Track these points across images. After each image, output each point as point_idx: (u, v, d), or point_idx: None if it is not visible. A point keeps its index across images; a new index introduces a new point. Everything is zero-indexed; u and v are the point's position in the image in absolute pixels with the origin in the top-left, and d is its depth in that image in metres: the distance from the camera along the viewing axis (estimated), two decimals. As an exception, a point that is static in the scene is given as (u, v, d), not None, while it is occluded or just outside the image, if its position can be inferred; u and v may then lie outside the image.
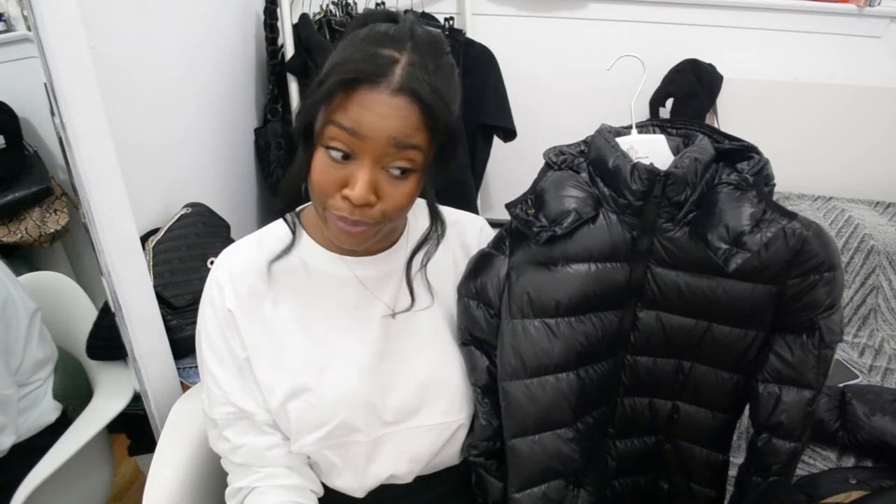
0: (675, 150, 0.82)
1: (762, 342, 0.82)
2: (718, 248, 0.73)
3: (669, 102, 1.88)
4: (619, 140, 0.82)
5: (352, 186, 0.67)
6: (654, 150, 0.82)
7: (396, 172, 0.68)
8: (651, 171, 0.76)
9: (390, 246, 0.85)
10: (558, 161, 0.83)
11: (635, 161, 0.78)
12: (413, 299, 0.83)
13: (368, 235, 0.72)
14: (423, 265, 0.83)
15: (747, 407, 0.87)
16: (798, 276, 0.76)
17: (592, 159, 0.82)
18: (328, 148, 0.67)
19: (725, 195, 0.76)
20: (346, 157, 0.67)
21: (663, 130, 0.86)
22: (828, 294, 0.77)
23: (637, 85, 0.87)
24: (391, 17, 0.71)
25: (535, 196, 0.81)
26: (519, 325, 0.82)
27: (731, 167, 0.79)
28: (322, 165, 0.68)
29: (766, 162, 0.77)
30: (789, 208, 0.74)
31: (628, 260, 0.81)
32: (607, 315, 0.83)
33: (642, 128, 0.86)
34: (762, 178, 0.77)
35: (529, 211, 0.80)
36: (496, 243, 0.86)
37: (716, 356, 0.84)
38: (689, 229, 0.78)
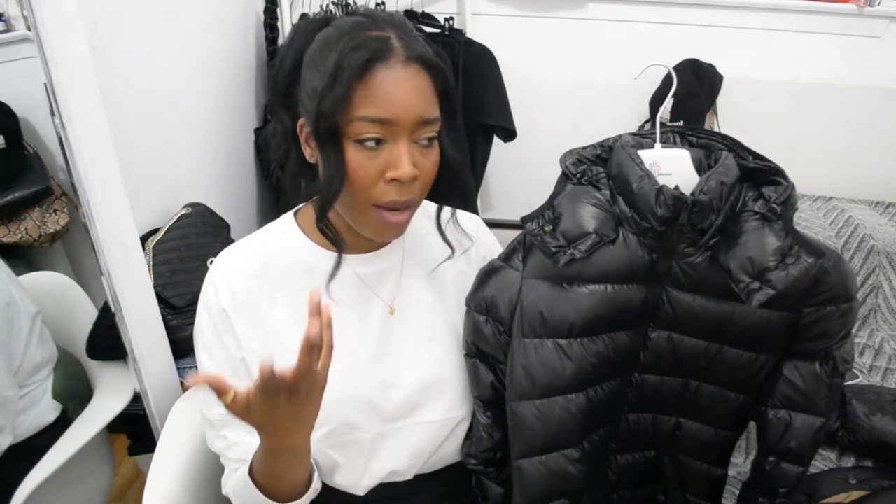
0: (697, 164, 0.79)
1: (773, 366, 0.81)
2: (741, 281, 0.72)
3: (669, 102, 1.88)
4: (641, 154, 0.78)
5: (396, 167, 0.69)
6: (678, 167, 0.79)
7: (425, 142, 0.71)
8: (677, 198, 0.73)
9: (387, 242, 0.85)
10: (577, 173, 0.79)
11: (661, 185, 0.74)
12: (452, 247, 0.84)
13: (407, 222, 0.74)
14: (452, 215, 0.84)
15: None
16: (814, 306, 0.75)
17: (614, 175, 0.78)
18: (360, 141, 0.68)
19: (751, 225, 0.73)
20: (380, 141, 0.68)
21: (682, 137, 0.83)
22: (842, 325, 0.76)
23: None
24: (326, 20, 0.73)
25: (553, 211, 0.78)
26: (531, 345, 0.80)
27: (756, 189, 0.76)
28: (358, 160, 0.69)
29: (793, 188, 0.74)
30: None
31: (645, 282, 0.78)
32: (619, 335, 0.82)
33: (662, 134, 0.82)
34: (789, 207, 0.74)
35: (546, 227, 0.77)
36: (508, 257, 0.82)
37: (725, 377, 0.83)
38: (711, 256, 0.75)
